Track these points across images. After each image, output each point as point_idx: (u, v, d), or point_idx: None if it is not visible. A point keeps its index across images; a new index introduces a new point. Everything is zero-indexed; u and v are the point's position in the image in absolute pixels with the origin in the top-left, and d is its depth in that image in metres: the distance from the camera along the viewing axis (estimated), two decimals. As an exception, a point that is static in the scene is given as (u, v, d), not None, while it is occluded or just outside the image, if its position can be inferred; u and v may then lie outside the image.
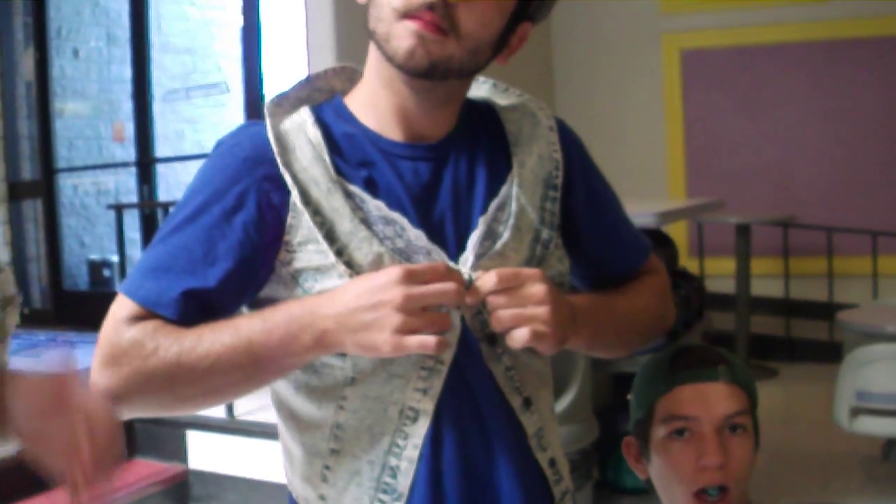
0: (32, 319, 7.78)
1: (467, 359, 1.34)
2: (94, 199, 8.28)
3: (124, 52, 7.89)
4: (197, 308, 1.30)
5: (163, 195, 7.66)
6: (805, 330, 6.94)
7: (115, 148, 8.26)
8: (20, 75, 7.93)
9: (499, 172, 1.42)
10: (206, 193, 1.35)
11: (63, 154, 8.03)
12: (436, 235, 1.35)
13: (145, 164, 7.64)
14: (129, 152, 7.95)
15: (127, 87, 7.90)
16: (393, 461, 1.34)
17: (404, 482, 1.34)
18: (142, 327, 1.29)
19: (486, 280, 1.28)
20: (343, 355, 1.31)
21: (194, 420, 4.68)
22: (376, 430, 1.34)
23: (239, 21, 6.80)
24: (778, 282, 7.09)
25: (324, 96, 1.47)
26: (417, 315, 1.22)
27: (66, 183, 8.08)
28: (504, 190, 1.40)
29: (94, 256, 8.17)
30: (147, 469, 4.64)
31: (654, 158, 7.62)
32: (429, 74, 1.32)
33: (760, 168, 7.35)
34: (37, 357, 6.27)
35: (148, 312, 1.30)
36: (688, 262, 6.66)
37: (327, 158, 1.35)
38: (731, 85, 7.45)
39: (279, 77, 6.85)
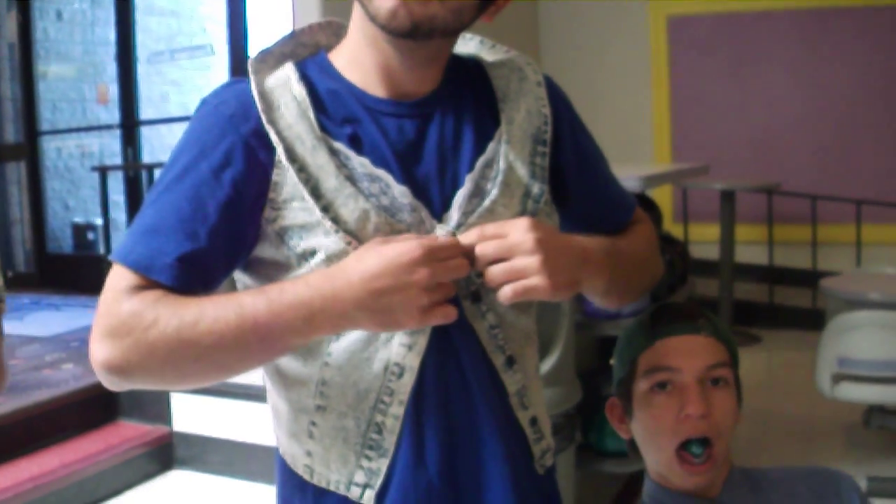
0: (16, 282, 7.75)
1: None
2: (78, 161, 8.25)
3: (108, 14, 7.83)
4: (191, 271, 1.28)
5: (147, 157, 7.64)
6: (788, 297, 6.97)
7: (99, 110, 8.22)
8: (3, 37, 7.88)
9: (486, 129, 1.40)
10: (193, 152, 1.33)
11: (47, 117, 7.99)
12: (421, 193, 1.34)
13: (129, 126, 7.62)
14: (113, 115, 7.91)
15: (111, 50, 7.85)
16: (378, 417, 1.34)
17: (390, 438, 1.34)
18: (141, 298, 1.26)
19: (467, 236, 1.28)
20: None
21: (179, 382, 4.72)
22: (361, 387, 1.33)
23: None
24: (762, 249, 7.12)
25: (308, 51, 1.45)
26: (438, 291, 1.23)
27: (49, 146, 8.05)
28: (491, 147, 1.39)
29: (79, 219, 8.14)
30: (131, 431, 4.63)
31: (640, 123, 7.64)
32: (412, 34, 1.30)
33: (746, 135, 7.37)
34: (21, 320, 6.27)
35: (145, 281, 1.28)
36: (672, 228, 6.67)
37: (312, 115, 1.33)
38: (717, 51, 7.46)
39: (264, 39, 6.82)
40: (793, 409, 5.13)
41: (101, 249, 7.91)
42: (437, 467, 1.36)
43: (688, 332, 1.54)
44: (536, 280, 1.25)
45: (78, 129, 8.19)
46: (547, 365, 3.00)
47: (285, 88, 1.35)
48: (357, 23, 1.38)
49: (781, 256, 7.08)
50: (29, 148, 7.78)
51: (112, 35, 7.78)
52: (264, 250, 1.34)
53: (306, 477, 1.40)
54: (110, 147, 8.14)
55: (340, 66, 1.40)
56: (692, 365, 1.51)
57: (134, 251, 1.29)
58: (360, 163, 1.32)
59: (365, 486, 1.35)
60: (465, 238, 1.28)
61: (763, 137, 7.33)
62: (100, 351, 1.27)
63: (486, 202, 1.35)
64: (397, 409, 1.34)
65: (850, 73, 7.11)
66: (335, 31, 1.47)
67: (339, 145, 1.33)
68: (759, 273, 7.17)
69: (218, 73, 7.52)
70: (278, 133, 1.31)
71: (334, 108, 1.36)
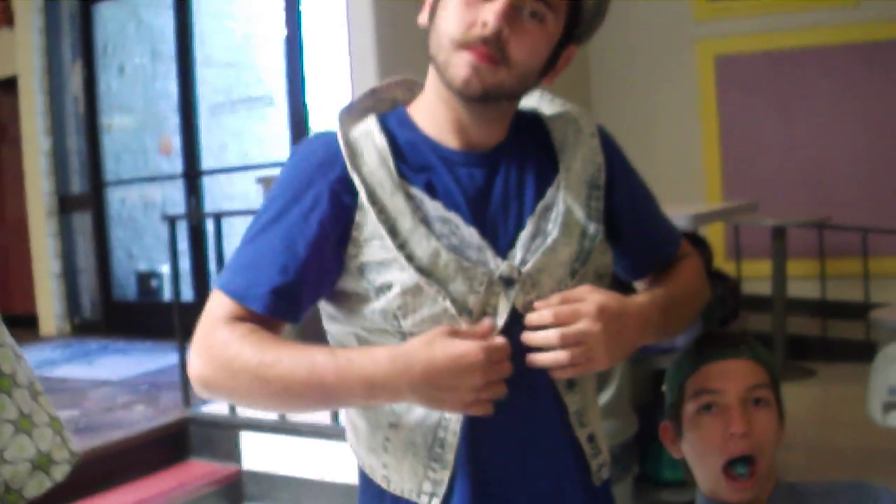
0: (83, 329, 8.00)
1: (518, 342, 1.46)
2: (141, 211, 8.44)
3: (168, 68, 8.05)
4: (281, 301, 1.47)
5: (208, 206, 7.85)
6: (841, 330, 6.95)
7: (160, 161, 8.43)
8: (69, 92, 8.13)
9: (546, 176, 1.57)
10: (286, 197, 1.51)
11: (111, 168, 8.21)
12: (488, 233, 1.50)
13: (192, 176, 7.81)
14: (174, 165, 8.12)
15: (171, 102, 8.06)
16: (441, 433, 1.50)
17: (450, 454, 1.50)
18: (232, 329, 1.45)
19: (542, 315, 1.45)
20: (403, 337, 1.47)
21: (248, 422, 4.86)
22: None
23: (281, 34, 6.96)
24: (814, 283, 7.13)
25: (386, 105, 1.63)
26: (486, 390, 1.38)
27: (114, 196, 8.26)
28: (551, 192, 1.55)
29: (143, 267, 8.34)
30: (201, 470, 4.80)
31: (691, 163, 7.69)
32: (482, 99, 1.49)
33: (795, 170, 7.40)
34: (90, 364, 6.47)
35: (241, 309, 1.47)
36: (725, 265, 6.73)
37: (391, 163, 1.51)
38: (765, 89, 7.51)
39: (322, 88, 7.00)
40: (847, 440, 5.15)
41: (167, 296, 8.11)
42: (497, 480, 1.51)
43: (729, 356, 1.69)
44: (595, 365, 1.44)
45: (141, 180, 8.38)
46: (604, 398, 3.12)
47: (368, 138, 1.53)
48: (433, 84, 1.56)
49: (834, 290, 7.08)
50: (94, 198, 8.01)
51: (172, 88, 7.98)
52: (346, 283, 1.51)
53: (384, 486, 1.56)
54: (171, 196, 8.33)
55: (418, 119, 1.58)
56: (734, 387, 1.66)
57: (233, 282, 1.49)
58: (433, 206, 1.50)
59: (431, 495, 1.51)
60: (537, 317, 1.45)
61: (812, 172, 7.35)
62: (194, 365, 1.47)
63: (549, 241, 1.51)
64: (455, 426, 1.49)
65: (896, 106, 7.16)
66: (409, 87, 1.65)
67: (415, 190, 1.50)
68: (812, 307, 7.16)
69: (276, 122, 7.69)
70: (361, 179, 1.49)
71: (412, 157, 1.54)
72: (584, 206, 1.57)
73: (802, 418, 5.96)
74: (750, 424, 1.62)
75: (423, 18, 1.54)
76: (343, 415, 1.67)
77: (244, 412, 4.92)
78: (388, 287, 1.47)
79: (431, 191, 1.52)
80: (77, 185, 8.21)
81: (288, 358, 1.42)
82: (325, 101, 7.02)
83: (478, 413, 1.40)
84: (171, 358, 5.71)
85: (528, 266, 1.49)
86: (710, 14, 7.60)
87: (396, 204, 1.49)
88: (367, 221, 1.48)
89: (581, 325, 1.42)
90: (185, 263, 8.04)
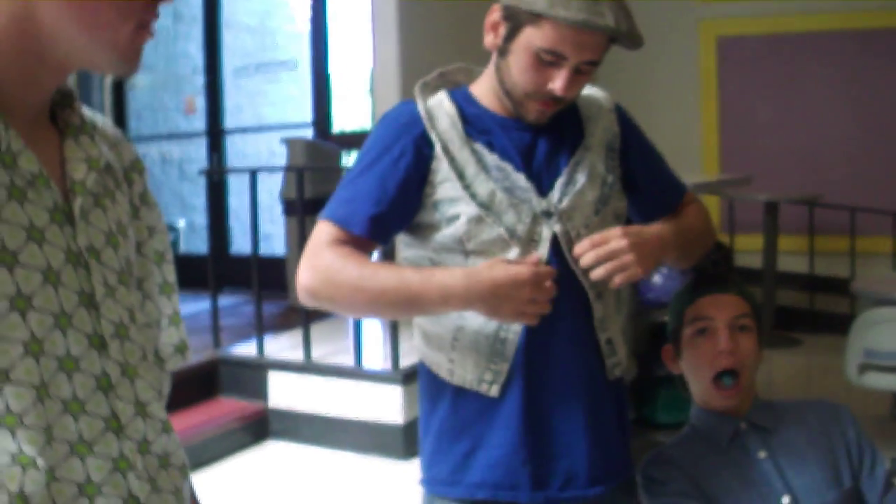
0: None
1: (561, 261, 1.90)
2: (159, 167, 8.78)
3: (189, 29, 8.36)
4: (376, 227, 1.90)
5: (230, 164, 8.16)
6: (827, 304, 7.28)
7: (178, 119, 8.75)
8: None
9: (576, 140, 2.00)
10: (379, 148, 1.95)
11: (133, 125, 8.49)
12: (533, 179, 1.93)
13: (215, 133, 8.13)
14: (192, 124, 8.44)
15: (191, 63, 8.35)
16: (502, 334, 1.91)
17: (511, 349, 1.91)
18: (335, 250, 1.88)
19: (582, 245, 1.86)
20: (466, 256, 1.91)
21: (274, 362, 5.24)
22: None
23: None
24: (803, 258, 7.45)
25: (450, 86, 2.06)
26: (534, 304, 1.79)
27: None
28: (579, 152, 1.99)
29: (161, 221, 8.59)
30: (230, 406, 5.17)
31: (690, 139, 7.96)
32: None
33: (789, 149, 7.66)
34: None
35: (343, 233, 1.89)
36: (719, 238, 7.00)
37: (460, 125, 1.94)
38: (764, 70, 7.76)
39: (344, 53, 7.29)
40: None
41: (182, 248, 8.44)
42: (543, 369, 1.94)
43: (719, 291, 2.11)
44: (633, 270, 1.84)
45: (168, 137, 8.71)
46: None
47: (440, 107, 1.98)
48: (493, 82, 1.98)
49: (821, 265, 7.40)
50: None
51: (192, 49, 8.28)
52: (423, 216, 1.94)
53: (448, 378, 1.97)
54: (189, 154, 8.66)
55: (478, 96, 2.02)
56: (723, 315, 2.07)
57: (337, 212, 1.93)
58: (491, 158, 1.93)
59: (491, 383, 1.93)
60: (580, 248, 1.86)
61: (805, 152, 7.61)
62: (303, 277, 1.90)
63: (578, 186, 1.95)
64: (517, 327, 1.90)
65: (889, 92, 7.41)
66: (468, 73, 2.10)
67: (478, 146, 1.94)
68: (800, 281, 7.49)
69: (298, 87, 8.03)
70: (437, 135, 1.93)
71: (475, 122, 1.98)
72: (604, 162, 1.99)
73: (787, 384, 6.32)
74: (736, 345, 2.03)
75: (489, 42, 1.94)
76: (413, 322, 2.09)
77: (271, 353, 5.31)
78: (457, 217, 1.89)
79: (490, 147, 1.94)
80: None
81: (383, 271, 1.89)
82: (347, 66, 7.32)
83: (527, 322, 1.82)
84: (199, 305, 6.11)
85: (563, 204, 1.91)
86: (714, -4, 7.86)
87: (464, 155, 1.91)
88: (441, 168, 1.91)
89: (612, 244, 1.83)
90: (200, 218, 8.39)
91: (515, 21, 1.86)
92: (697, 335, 2.08)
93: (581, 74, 1.88)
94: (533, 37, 1.84)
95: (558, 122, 2.00)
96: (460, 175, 1.90)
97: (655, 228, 1.98)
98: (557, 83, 1.86)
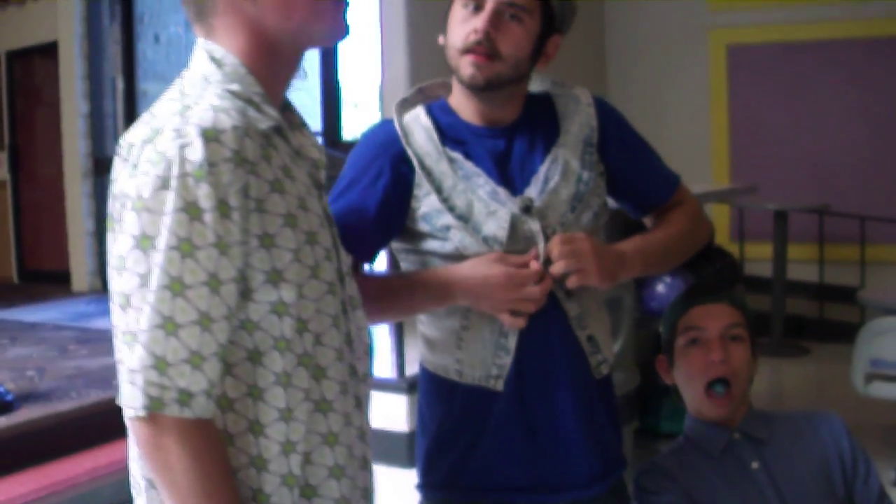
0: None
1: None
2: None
3: (202, 38, 8.35)
4: (359, 248, 1.93)
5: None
6: (837, 313, 7.28)
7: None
8: (106, 59, 8.44)
9: (551, 138, 2.03)
10: (357, 169, 2.02)
11: (145, 132, 8.51)
12: (509, 183, 1.98)
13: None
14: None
15: (203, 71, 8.35)
16: (505, 328, 1.95)
17: (512, 343, 1.96)
18: None
19: (553, 244, 1.91)
20: (461, 260, 1.95)
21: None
22: None
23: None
24: (813, 267, 7.45)
25: (430, 100, 2.11)
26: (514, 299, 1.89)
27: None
28: (553, 150, 2.01)
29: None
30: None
31: (701, 147, 7.96)
32: (487, 88, 1.96)
33: (799, 158, 7.65)
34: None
35: None
36: (729, 246, 7.00)
37: (436, 136, 2.00)
38: (774, 78, 7.76)
39: (354, 63, 7.30)
40: (837, 413, 5.45)
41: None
42: (538, 366, 1.98)
43: (711, 301, 2.11)
44: (590, 277, 1.90)
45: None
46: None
47: (416, 122, 2.03)
48: (456, 83, 2.04)
49: (831, 274, 7.39)
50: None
51: (204, 58, 8.28)
52: (415, 225, 1.99)
53: (457, 379, 2.01)
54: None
55: (454, 106, 2.07)
56: (715, 325, 2.08)
57: None
58: (468, 165, 1.98)
59: (497, 377, 1.97)
60: (551, 247, 1.91)
61: (815, 160, 7.60)
62: None
63: (552, 183, 1.98)
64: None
65: (898, 100, 7.40)
66: (447, 87, 2.13)
67: (455, 154, 1.99)
68: (810, 290, 7.48)
69: (308, 95, 7.99)
70: (413, 151, 1.98)
71: (452, 133, 2.03)
72: (580, 158, 2.01)
73: (797, 393, 6.32)
74: (727, 354, 2.03)
75: (441, 39, 2.02)
76: (417, 327, 2.14)
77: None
78: (447, 228, 1.95)
79: (467, 156, 1.99)
80: (111, 147, 8.50)
81: (372, 286, 1.92)
82: (357, 74, 7.35)
83: (509, 324, 1.89)
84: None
85: (538, 202, 1.94)
86: (724, 4, 7.87)
87: (441, 168, 1.97)
88: (423, 183, 1.97)
89: (576, 245, 1.89)
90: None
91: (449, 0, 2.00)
92: (690, 345, 2.09)
93: (512, 21, 1.94)
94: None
95: (533, 122, 2.04)
96: (438, 189, 1.96)
97: (620, 247, 2.01)
98: (478, 23, 1.92)
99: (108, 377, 4.86)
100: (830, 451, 2.06)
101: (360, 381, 1.58)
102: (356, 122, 7.65)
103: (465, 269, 1.90)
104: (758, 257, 7.31)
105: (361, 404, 1.59)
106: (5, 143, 9.30)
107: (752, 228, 7.51)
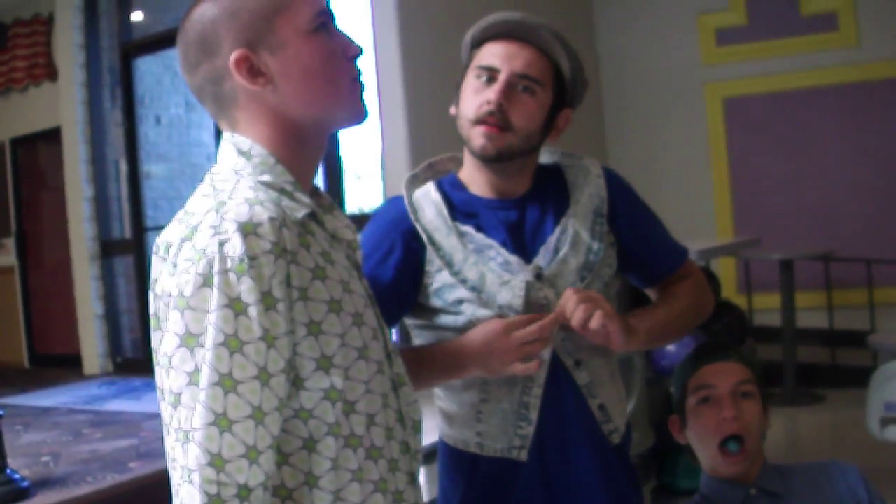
0: (125, 368, 8.30)
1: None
2: (177, 255, 8.74)
3: (201, 118, 8.47)
4: None
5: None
6: (849, 357, 7.21)
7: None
8: (109, 142, 8.52)
9: (562, 209, 2.05)
10: (369, 245, 2.01)
11: (150, 213, 8.58)
12: (521, 252, 1.99)
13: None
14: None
15: (204, 150, 8.44)
16: (525, 398, 1.96)
17: (534, 413, 1.97)
18: None
19: (566, 296, 1.91)
20: None
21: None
22: (511, 380, 1.97)
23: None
24: (822, 313, 7.43)
25: (440, 175, 2.13)
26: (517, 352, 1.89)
27: (153, 240, 8.52)
28: (563, 220, 2.03)
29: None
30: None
31: (703, 200, 8.03)
32: (498, 159, 1.98)
33: (801, 205, 7.71)
34: (138, 399, 6.82)
35: None
36: (736, 298, 7.02)
37: (446, 212, 2.01)
38: (772, 128, 7.84)
39: (353, 135, 7.32)
40: (856, 460, 5.35)
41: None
42: (558, 434, 1.99)
43: (721, 359, 2.14)
44: (611, 317, 1.89)
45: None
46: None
47: (426, 197, 2.05)
48: (467, 154, 2.06)
49: (840, 319, 7.37)
50: (136, 243, 8.37)
51: (205, 136, 8.37)
52: (429, 301, 2.00)
53: (478, 451, 2.01)
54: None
55: (464, 180, 2.08)
56: (725, 382, 2.10)
57: None
58: (479, 238, 1.99)
59: (521, 448, 1.97)
60: (566, 300, 1.91)
61: (817, 207, 7.64)
62: None
63: (561, 254, 1.99)
64: (538, 391, 1.97)
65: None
66: (457, 162, 2.15)
67: (465, 228, 2.00)
68: (820, 336, 7.45)
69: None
70: (423, 227, 2.00)
71: (463, 207, 2.04)
72: (590, 229, 2.03)
73: (814, 441, 6.27)
74: (739, 411, 2.04)
75: (453, 109, 2.05)
76: (434, 402, 2.16)
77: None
78: (459, 302, 1.96)
79: (478, 229, 2.01)
80: (117, 230, 8.55)
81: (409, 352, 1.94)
82: (358, 146, 7.43)
83: (521, 372, 1.90)
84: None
85: (546, 271, 1.96)
86: (719, 58, 7.99)
87: (451, 242, 1.99)
88: (434, 258, 1.99)
89: (594, 294, 1.92)
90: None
91: (462, 71, 2.03)
92: (701, 404, 2.11)
93: (524, 93, 1.96)
94: (470, 70, 1.99)
95: (544, 193, 2.06)
96: (448, 263, 1.97)
97: (629, 320, 2.00)
98: (491, 94, 1.95)
99: (123, 460, 4.85)
100: (847, 502, 2.07)
101: (412, 458, 1.59)
102: (360, 193, 7.71)
103: (470, 335, 1.91)
104: (766, 307, 7.30)
105: (415, 480, 1.60)
106: (12, 229, 9.34)
107: (758, 279, 7.51)
